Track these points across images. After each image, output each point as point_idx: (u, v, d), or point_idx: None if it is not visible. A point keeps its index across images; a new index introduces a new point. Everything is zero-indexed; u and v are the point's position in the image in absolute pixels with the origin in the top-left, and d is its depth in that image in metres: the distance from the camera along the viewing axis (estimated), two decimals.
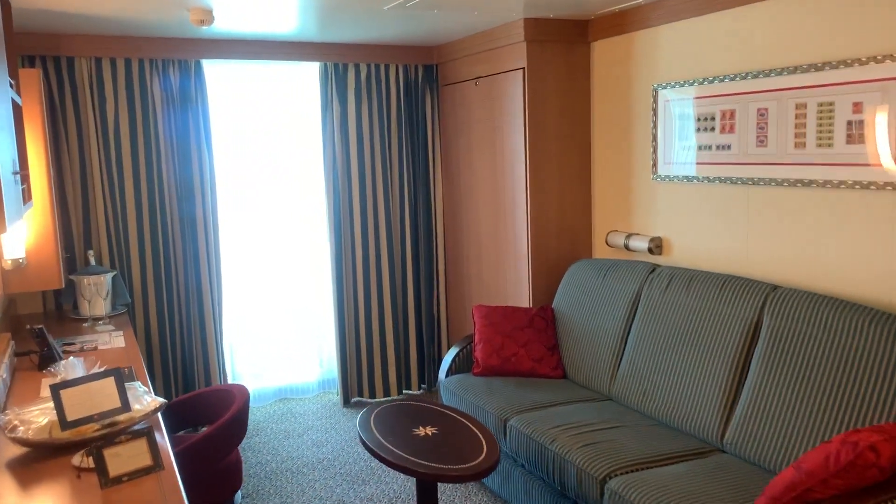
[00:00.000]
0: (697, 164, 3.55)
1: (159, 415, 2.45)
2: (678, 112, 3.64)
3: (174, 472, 2.02)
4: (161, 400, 2.41)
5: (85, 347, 3.38)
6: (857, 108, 2.79)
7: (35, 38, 4.03)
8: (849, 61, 2.79)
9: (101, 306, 3.94)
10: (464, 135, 4.83)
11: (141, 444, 2.05)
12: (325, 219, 4.97)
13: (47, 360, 3.03)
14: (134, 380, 2.79)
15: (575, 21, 4.11)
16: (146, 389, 2.51)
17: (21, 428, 2.15)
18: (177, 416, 3.54)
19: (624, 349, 3.57)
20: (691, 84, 3.53)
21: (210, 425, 3.19)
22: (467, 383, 3.82)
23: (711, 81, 3.42)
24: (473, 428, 3.06)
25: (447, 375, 4.01)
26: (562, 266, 4.29)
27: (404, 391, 5.22)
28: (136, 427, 2.28)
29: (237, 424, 3.20)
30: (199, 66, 4.43)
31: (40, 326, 3.08)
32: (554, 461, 3.01)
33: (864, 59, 2.74)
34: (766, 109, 3.16)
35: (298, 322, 5.13)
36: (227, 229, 4.80)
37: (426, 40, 4.75)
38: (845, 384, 2.57)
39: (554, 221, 4.25)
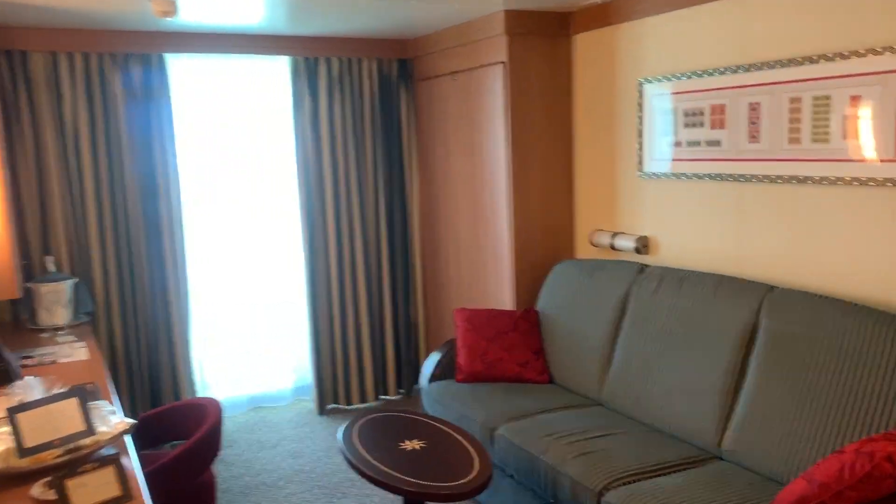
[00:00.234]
0: (685, 160, 3.45)
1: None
2: (664, 107, 3.53)
3: (144, 502, 1.86)
4: (129, 421, 2.24)
5: (44, 361, 3.17)
6: (855, 101, 2.70)
7: None
8: (846, 53, 2.70)
9: (62, 315, 3.73)
10: (441, 131, 4.68)
11: (108, 473, 1.89)
12: (297, 219, 4.78)
13: (4, 376, 2.82)
14: (98, 398, 2.60)
15: (557, 13, 3.98)
16: (112, 409, 2.34)
17: None
18: (146, 432, 3.34)
19: (613, 352, 3.45)
20: (678, 78, 3.43)
21: (182, 441, 3.01)
22: (451, 390, 3.68)
23: (700, 75, 3.32)
24: (463, 441, 2.91)
25: (430, 382, 3.86)
26: (545, 266, 4.16)
27: (381, 397, 5.06)
28: (102, 452, 2.11)
29: (211, 441, 3.01)
30: (162, 61, 4.21)
31: None
32: (546, 473, 2.87)
33: (862, 51, 2.65)
34: (759, 104, 3.06)
35: (271, 326, 4.93)
36: (195, 230, 4.58)
37: (401, 33, 4.58)
38: (849, 387, 2.48)
39: (537, 221, 4.12)
